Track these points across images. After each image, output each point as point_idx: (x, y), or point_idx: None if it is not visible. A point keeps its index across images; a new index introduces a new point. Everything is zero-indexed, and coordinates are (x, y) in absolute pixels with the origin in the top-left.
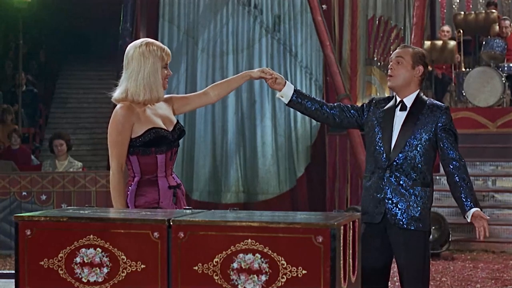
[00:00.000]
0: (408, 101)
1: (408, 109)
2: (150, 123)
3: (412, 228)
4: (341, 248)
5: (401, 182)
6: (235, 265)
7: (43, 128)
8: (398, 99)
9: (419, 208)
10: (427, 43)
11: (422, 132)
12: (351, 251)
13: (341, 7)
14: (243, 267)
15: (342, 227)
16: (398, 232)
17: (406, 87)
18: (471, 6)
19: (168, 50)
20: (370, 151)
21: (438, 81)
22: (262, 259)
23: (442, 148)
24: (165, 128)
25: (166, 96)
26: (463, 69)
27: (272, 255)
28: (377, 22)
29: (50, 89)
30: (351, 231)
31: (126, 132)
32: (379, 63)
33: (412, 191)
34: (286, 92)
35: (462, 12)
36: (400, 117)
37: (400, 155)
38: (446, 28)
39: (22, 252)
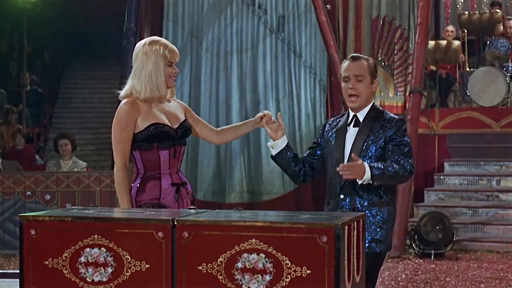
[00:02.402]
0: (362, 115)
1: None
2: (153, 118)
3: (376, 250)
4: (346, 248)
5: (356, 205)
6: (239, 264)
7: (47, 128)
8: (352, 114)
9: (378, 229)
10: (432, 43)
11: (373, 147)
12: (355, 251)
13: (345, 7)
14: (248, 267)
15: (346, 227)
16: None
17: (365, 104)
18: (475, 6)
19: (173, 48)
20: (328, 176)
21: (442, 81)
22: (267, 259)
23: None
24: (168, 124)
25: (184, 104)
26: (468, 69)
27: (277, 255)
28: (381, 22)
29: (54, 89)
30: (355, 231)
31: (130, 128)
32: (383, 63)
33: (368, 212)
34: (279, 144)
35: (467, 12)
36: (352, 134)
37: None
38: (450, 28)
39: (27, 252)
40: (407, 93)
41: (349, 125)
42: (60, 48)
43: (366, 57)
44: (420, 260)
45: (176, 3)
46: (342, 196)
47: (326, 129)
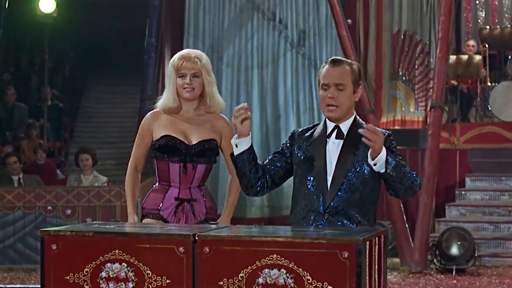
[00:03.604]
0: (345, 127)
1: (344, 137)
2: (168, 130)
3: None
4: (367, 263)
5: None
6: (260, 280)
7: (68, 142)
8: (332, 125)
9: None
10: (453, 58)
11: (363, 164)
12: (376, 267)
13: (366, 22)
14: (269, 282)
15: (367, 243)
16: None
17: (346, 115)
18: (496, 20)
19: (184, 56)
20: (301, 192)
21: (464, 95)
22: (288, 275)
23: None
24: (180, 138)
25: (227, 126)
26: (489, 84)
27: (298, 271)
28: (402, 36)
29: (75, 104)
30: (376, 247)
31: (146, 135)
32: (404, 78)
33: None
34: (244, 143)
35: (488, 27)
36: (335, 147)
37: (339, 193)
38: (471, 42)
39: (48, 267)
40: (428, 108)
41: (329, 136)
42: (80, 63)
43: (349, 61)
44: (442, 276)
45: (197, 18)
46: (327, 216)
47: (295, 139)
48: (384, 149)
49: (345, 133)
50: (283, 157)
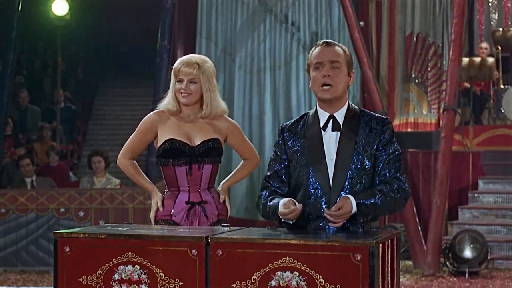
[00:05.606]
0: (340, 116)
1: (341, 127)
2: (171, 133)
3: None
4: (380, 266)
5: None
6: (273, 282)
7: (81, 144)
8: (325, 116)
9: None
10: (465, 60)
11: (364, 157)
12: (389, 269)
13: (378, 24)
14: (281, 285)
15: (380, 245)
16: None
17: (341, 99)
18: (509, 22)
19: (183, 61)
20: (302, 196)
21: (477, 98)
22: (300, 277)
23: (377, 167)
24: (184, 141)
25: (233, 126)
26: (502, 86)
27: (310, 273)
28: (415, 39)
29: (88, 106)
30: (389, 249)
31: (146, 132)
32: (416, 80)
33: None
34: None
35: (501, 29)
36: (332, 141)
37: (342, 194)
38: (484, 44)
39: (61, 269)
40: (441, 110)
41: (324, 129)
42: (93, 65)
43: (340, 44)
44: (455, 279)
45: (209, 20)
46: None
47: (286, 136)
48: (353, 207)
49: (341, 123)
50: (283, 168)
